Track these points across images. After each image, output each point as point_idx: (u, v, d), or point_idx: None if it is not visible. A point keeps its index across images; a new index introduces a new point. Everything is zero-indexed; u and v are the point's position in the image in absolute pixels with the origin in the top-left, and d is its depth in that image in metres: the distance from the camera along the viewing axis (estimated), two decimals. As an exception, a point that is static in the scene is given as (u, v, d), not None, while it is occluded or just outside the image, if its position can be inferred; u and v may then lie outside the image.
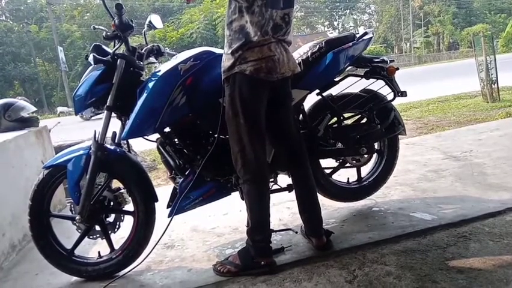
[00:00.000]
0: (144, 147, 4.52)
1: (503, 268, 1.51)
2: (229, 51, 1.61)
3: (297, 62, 1.81)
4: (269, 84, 1.64)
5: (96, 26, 1.89)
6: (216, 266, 1.78)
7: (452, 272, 1.53)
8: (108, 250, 1.90)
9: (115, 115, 1.90)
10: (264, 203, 1.73)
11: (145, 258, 1.82)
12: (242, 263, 1.73)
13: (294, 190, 1.89)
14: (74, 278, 1.87)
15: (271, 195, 2.05)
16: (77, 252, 1.90)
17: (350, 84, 2.13)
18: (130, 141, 1.98)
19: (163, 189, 2.73)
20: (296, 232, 2.00)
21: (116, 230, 1.89)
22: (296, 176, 1.87)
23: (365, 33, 2.09)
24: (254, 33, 1.57)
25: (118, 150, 1.87)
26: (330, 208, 2.29)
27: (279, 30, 1.63)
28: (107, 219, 1.90)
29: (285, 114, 1.79)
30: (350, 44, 1.99)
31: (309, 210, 1.87)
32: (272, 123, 1.76)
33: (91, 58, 1.81)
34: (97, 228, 1.87)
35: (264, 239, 1.73)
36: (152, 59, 2.01)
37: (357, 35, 2.08)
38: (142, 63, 1.93)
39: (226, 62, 1.63)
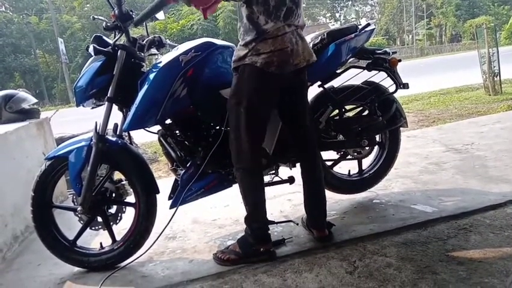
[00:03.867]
0: (145, 139, 4.52)
1: (503, 260, 1.52)
2: (243, 43, 1.61)
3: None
4: (281, 77, 1.62)
5: (96, 16, 1.88)
6: (216, 254, 1.80)
7: (453, 263, 1.54)
8: (110, 241, 1.91)
9: (117, 106, 1.89)
10: (257, 192, 1.75)
11: (147, 250, 1.83)
12: (242, 251, 1.75)
13: (302, 180, 1.88)
14: (77, 269, 1.89)
15: (272, 187, 2.07)
16: (79, 243, 1.91)
17: (352, 76, 2.12)
18: (131, 133, 1.98)
19: (164, 181, 2.74)
20: (297, 224, 2.01)
21: (118, 221, 1.90)
22: (306, 166, 1.87)
23: (368, 25, 2.07)
24: (264, 21, 1.55)
25: (119, 142, 1.87)
26: (331, 200, 2.29)
27: (290, 14, 1.59)
28: (109, 210, 1.90)
29: (300, 104, 1.79)
30: (352, 35, 1.98)
31: (314, 202, 1.88)
32: (286, 112, 1.78)
33: (91, 49, 1.80)
34: (99, 219, 1.88)
35: (261, 226, 1.76)
36: (153, 51, 2.00)
37: (360, 27, 2.06)
38: (143, 54, 1.92)
39: (239, 51, 1.62)
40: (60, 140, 2.84)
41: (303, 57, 1.66)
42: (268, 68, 1.57)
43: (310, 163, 1.86)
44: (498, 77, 5.65)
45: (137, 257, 1.84)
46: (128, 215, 1.90)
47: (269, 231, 1.79)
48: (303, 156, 1.87)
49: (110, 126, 1.88)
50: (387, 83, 2.13)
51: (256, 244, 1.74)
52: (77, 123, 5.27)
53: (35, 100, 2.99)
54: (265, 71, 1.58)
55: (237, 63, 1.63)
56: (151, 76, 1.76)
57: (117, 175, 1.94)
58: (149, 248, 1.83)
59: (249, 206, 1.75)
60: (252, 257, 1.74)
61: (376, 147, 2.28)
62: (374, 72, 2.11)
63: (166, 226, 1.81)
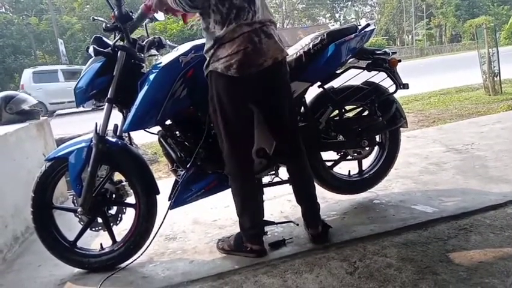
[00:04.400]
0: (145, 140, 4.52)
1: (504, 260, 1.52)
2: (204, 51, 1.64)
3: (284, 47, 1.70)
4: (245, 79, 1.59)
5: (96, 17, 1.88)
6: (218, 241, 1.93)
7: (453, 264, 1.54)
8: (110, 242, 1.91)
9: (117, 107, 1.89)
10: (244, 196, 1.77)
11: (144, 251, 1.82)
12: (234, 244, 1.83)
13: (290, 180, 1.91)
14: (77, 270, 1.89)
15: (273, 187, 2.08)
16: (79, 244, 1.91)
17: (352, 77, 2.12)
18: (131, 133, 1.98)
19: (165, 182, 2.74)
20: (297, 224, 2.00)
21: (118, 222, 1.90)
22: (290, 167, 1.89)
23: (367, 25, 2.07)
24: (219, 29, 1.56)
25: (119, 142, 1.87)
26: (331, 201, 2.30)
27: (241, 13, 1.55)
28: (109, 211, 1.91)
29: (276, 104, 1.75)
30: (352, 35, 1.98)
31: (304, 201, 1.90)
32: (265, 114, 1.78)
33: (91, 50, 1.80)
34: (99, 220, 1.88)
35: (252, 227, 1.78)
36: (153, 51, 2.00)
37: (359, 27, 2.06)
38: (143, 55, 1.92)
39: (206, 61, 1.65)
40: (60, 141, 2.84)
41: (270, 55, 1.61)
42: (228, 72, 1.57)
43: (294, 165, 1.87)
44: (498, 77, 5.65)
45: (135, 259, 1.84)
46: (129, 216, 1.90)
47: (262, 232, 1.83)
48: (287, 158, 1.88)
49: (110, 127, 1.88)
50: (387, 84, 2.13)
51: (246, 242, 1.79)
52: (78, 124, 5.26)
53: (35, 101, 3.00)
54: (226, 75, 1.58)
55: (205, 72, 1.66)
56: (151, 77, 1.76)
57: (117, 176, 1.94)
58: (146, 249, 1.83)
59: (238, 209, 1.80)
60: (240, 252, 1.80)
61: (376, 148, 2.28)
62: (373, 72, 2.11)
63: (160, 224, 1.82)
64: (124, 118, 1.88)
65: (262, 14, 1.62)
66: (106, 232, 1.90)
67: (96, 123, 1.80)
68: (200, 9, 1.58)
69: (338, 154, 2.24)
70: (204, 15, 1.59)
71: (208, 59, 1.62)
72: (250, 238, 1.78)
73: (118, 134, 1.90)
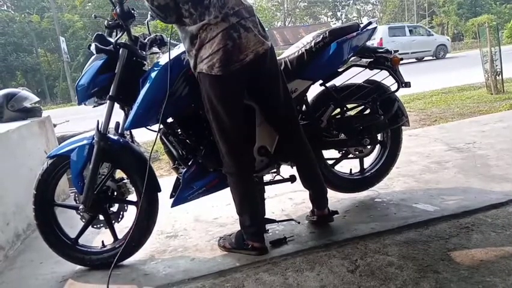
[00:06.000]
0: (147, 138, 4.52)
1: (505, 259, 1.51)
2: (188, 53, 1.64)
3: (265, 38, 1.65)
4: (230, 77, 1.59)
5: (97, 15, 1.88)
6: (220, 238, 1.93)
7: (454, 262, 1.54)
8: (112, 239, 1.91)
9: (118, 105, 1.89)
10: (243, 195, 1.78)
11: (120, 245, 1.82)
12: (235, 242, 1.83)
13: (295, 167, 1.94)
14: (78, 267, 1.89)
15: (274, 186, 2.08)
16: (81, 241, 1.92)
17: (354, 75, 2.11)
18: (133, 131, 1.98)
19: (166, 180, 2.74)
20: (298, 222, 2.01)
21: (119, 219, 1.91)
22: (295, 162, 1.91)
23: (369, 23, 2.07)
24: (192, 27, 1.56)
25: (121, 140, 1.87)
26: (332, 199, 2.29)
27: (211, 7, 1.54)
28: (111, 209, 1.91)
29: (267, 96, 1.76)
30: (354, 34, 1.98)
31: (311, 188, 1.94)
32: (263, 108, 1.79)
33: (93, 48, 1.80)
34: (101, 217, 1.88)
35: (252, 225, 1.78)
36: (155, 49, 2.00)
37: (361, 25, 2.06)
38: (144, 53, 1.92)
39: (190, 60, 1.65)
40: (62, 139, 2.84)
41: (251, 49, 1.58)
42: (211, 71, 1.57)
43: (299, 162, 1.89)
44: (500, 75, 5.62)
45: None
46: (130, 213, 1.90)
47: (263, 229, 1.84)
48: (291, 152, 1.89)
49: (112, 124, 1.88)
50: (389, 82, 2.12)
51: (247, 240, 1.79)
52: (80, 122, 5.27)
53: (36, 99, 3.00)
54: (211, 75, 1.58)
55: (194, 72, 1.66)
56: (153, 75, 1.76)
57: (119, 173, 1.95)
58: (122, 243, 1.82)
59: (237, 208, 1.80)
60: (241, 249, 1.80)
61: (378, 146, 2.28)
62: (375, 70, 2.10)
63: (140, 210, 1.82)
64: (126, 116, 1.88)
65: (233, 3, 1.59)
66: (108, 229, 1.90)
67: (98, 121, 1.80)
68: (176, 22, 1.61)
69: (339, 152, 2.24)
70: (179, 21, 1.60)
71: (193, 60, 1.61)
72: (251, 236, 1.79)
73: (119, 131, 1.90)
